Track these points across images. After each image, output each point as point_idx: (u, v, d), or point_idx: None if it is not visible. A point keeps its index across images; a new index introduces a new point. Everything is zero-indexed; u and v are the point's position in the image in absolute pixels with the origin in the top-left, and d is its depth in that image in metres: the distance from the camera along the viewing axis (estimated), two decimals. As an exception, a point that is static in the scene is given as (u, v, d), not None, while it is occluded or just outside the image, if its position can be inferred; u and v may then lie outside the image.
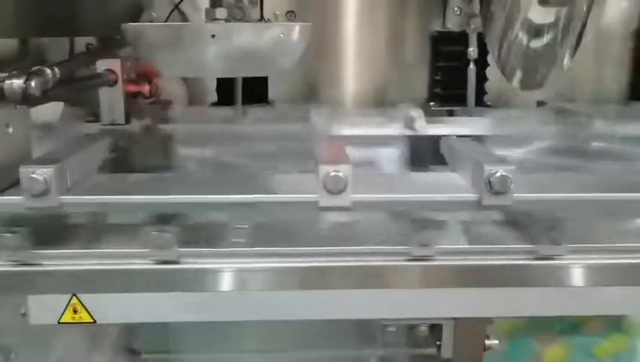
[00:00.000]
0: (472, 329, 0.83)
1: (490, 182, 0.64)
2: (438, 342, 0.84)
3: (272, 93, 1.22)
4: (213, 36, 0.85)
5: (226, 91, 1.16)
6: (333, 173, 0.62)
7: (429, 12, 1.23)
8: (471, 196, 0.65)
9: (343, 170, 0.62)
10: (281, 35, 0.88)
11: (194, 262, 0.65)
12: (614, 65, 1.29)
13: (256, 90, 1.19)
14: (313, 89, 1.28)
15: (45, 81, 0.67)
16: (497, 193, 0.64)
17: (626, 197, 0.68)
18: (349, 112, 1.25)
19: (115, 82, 1.07)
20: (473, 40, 1.16)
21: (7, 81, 0.63)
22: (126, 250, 0.65)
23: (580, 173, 0.83)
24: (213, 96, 1.21)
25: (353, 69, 1.28)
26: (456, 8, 1.17)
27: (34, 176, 0.60)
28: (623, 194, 0.68)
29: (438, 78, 1.24)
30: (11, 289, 0.68)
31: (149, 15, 1.06)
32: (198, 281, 0.67)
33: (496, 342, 0.83)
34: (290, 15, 1.16)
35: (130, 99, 1.10)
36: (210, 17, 0.95)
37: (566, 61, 0.96)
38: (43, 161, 0.63)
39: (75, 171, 0.66)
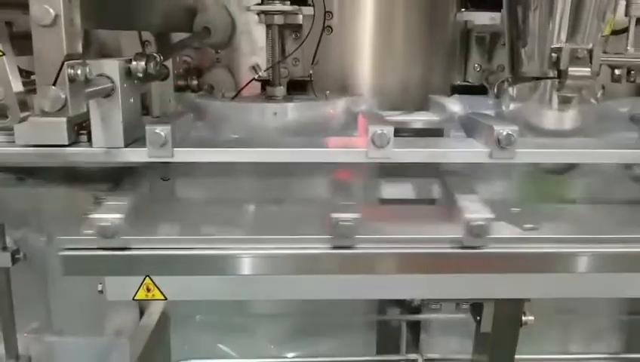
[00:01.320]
0: (510, 307, 1.10)
1: (498, 140, 1.03)
2: (478, 318, 1.13)
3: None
4: (275, 114, 1.23)
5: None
6: (379, 131, 0.98)
7: (452, 67, 1.63)
8: (484, 150, 1.01)
9: (387, 130, 0.99)
10: (331, 111, 1.28)
11: (250, 248, 0.96)
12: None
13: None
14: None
15: (156, 64, 1.05)
16: (504, 148, 1.03)
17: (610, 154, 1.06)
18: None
19: (167, 77, 1.49)
20: (491, 93, 1.47)
21: (134, 62, 0.96)
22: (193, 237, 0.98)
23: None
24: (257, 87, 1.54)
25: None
26: (476, 65, 1.59)
27: (157, 131, 0.95)
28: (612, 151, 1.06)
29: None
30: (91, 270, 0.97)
31: (202, 19, 1.48)
32: (253, 266, 0.97)
33: (532, 317, 1.11)
34: (328, 15, 1.57)
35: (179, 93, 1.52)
36: (271, 95, 1.34)
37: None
38: (160, 122, 0.98)
39: (179, 132, 1.02)
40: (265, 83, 1.43)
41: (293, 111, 1.22)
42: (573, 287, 1.03)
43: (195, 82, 1.46)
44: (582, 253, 0.98)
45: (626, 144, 1.13)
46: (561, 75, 1.11)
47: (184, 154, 0.99)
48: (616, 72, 1.24)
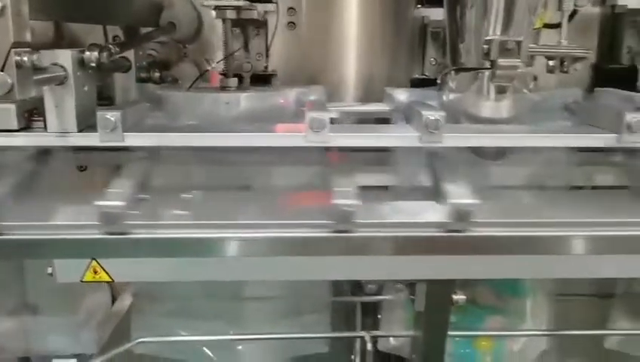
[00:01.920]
0: (442, 286, 1.17)
1: (426, 124, 1.12)
2: (412, 297, 1.22)
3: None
4: (227, 103, 1.30)
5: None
6: (316, 116, 1.08)
7: (414, 61, 1.72)
8: (414, 135, 1.10)
9: (323, 115, 1.07)
10: (281, 101, 1.36)
11: (193, 232, 1.00)
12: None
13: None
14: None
15: (110, 55, 1.13)
16: (432, 132, 1.11)
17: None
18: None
19: (129, 69, 1.56)
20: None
21: (87, 53, 1.04)
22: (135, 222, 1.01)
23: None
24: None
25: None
26: (432, 59, 1.68)
27: (107, 116, 1.03)
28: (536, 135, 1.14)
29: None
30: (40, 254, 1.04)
31: (168, 14, 1.55)
32: (195, 248, 1.01)
33: (463, 297, 1.18)
34: (291, 12, 1.63)
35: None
36: (224, 85, 1.42)
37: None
38: (111, 109, 1.06)
39: (131, 118, 1.09)
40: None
41: (244, 100, 1.29)
42: (501, 269, 1.11)
43: (157, 74, 1.52)
44: (509, 237, 1.05)
45: (554, 129, 1.21)
46: (493, 65, 1.18)
47: (134, 139, 1.06)
48: (550, 63, 1.31)
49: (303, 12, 1.67)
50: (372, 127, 1.23)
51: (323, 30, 1.70)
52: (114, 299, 1.84)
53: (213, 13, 1.43)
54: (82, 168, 1.53)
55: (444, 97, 1.33)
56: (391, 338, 1.49)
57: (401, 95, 1.40)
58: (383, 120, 1.44)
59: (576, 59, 1.29)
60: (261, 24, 1.62)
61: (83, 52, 1.06)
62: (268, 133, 1.09)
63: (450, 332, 1.20)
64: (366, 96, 1.70)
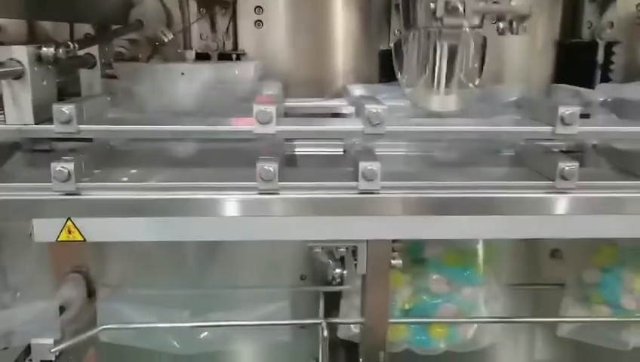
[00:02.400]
0: (381, 250, 1.24)
1: (369, 118, 1.19)
2: (355, 262, 1.29)
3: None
4: (182, 74, 1.35)
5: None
6: (262, 109, 1.15)
7: (380, 33, 1.80)
8: (358, 127, 1.16)
9: (270, 108, 1.12)
10: (237, 73, 1.42)
11: (164, 193, 1.13)
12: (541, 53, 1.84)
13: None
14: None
15: (68, 52, 1.19)
16: (374, 125, 1.18)
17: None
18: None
19: (94, 65, 1.62)
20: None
21: (44, 48, 1.10)
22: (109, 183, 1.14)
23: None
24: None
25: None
26: (396, 31, 1.75)
27: (62, 109, 1.09)
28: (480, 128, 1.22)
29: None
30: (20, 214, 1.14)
31: (137, 12, 1.62)
32: (164, 208, 1.13)
33: (400, 261, 1.26)
34: (259, 10, 1.70)
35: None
36: (181, 58, 1.49)
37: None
38: (67, 102, 1.11)
39: (89, 111, 1.15)
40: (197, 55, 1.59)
41: (200, 71, 1.36)
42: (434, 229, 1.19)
43: (122, 71, 1.58)
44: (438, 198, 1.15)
45: (496, 122, 1.28)
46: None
47: (89, 130, 1.12)
48: (501, 25, 1.34)
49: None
50: (318, 120, 1.29)
51: (295, 20, 1.79)
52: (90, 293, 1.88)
53: (193, 11, 1.51)
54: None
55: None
56: (352, 326, 1.54)
57: (358, 90, 1.47)
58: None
59: (522, 17, 1.32)
60: (227, 4, 1.68)
61: (40, 48, 1.12)
62: (219, 125, 1.15)
63: (393, 320, 1.31)
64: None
